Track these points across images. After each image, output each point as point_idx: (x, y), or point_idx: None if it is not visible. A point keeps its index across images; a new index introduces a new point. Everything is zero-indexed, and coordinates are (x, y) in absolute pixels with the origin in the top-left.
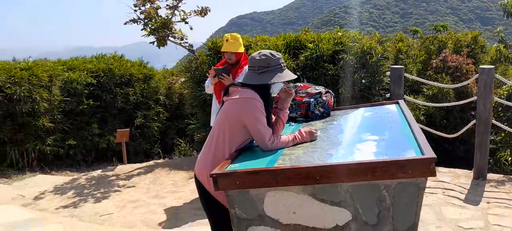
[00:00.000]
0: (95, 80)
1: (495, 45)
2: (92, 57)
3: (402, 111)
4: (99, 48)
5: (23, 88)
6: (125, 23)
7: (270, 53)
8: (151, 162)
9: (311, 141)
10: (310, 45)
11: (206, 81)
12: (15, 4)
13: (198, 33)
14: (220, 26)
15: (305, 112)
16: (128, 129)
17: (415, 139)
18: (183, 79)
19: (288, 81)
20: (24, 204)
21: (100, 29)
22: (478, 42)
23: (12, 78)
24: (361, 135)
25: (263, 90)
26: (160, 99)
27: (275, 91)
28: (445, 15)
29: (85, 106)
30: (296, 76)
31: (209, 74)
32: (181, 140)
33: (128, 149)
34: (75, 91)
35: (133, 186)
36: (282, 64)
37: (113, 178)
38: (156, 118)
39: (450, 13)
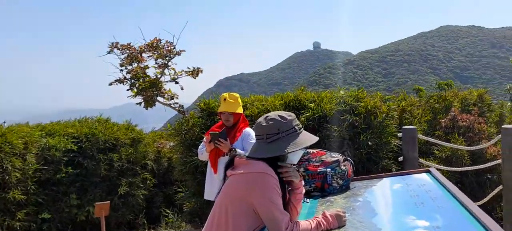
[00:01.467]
0: (76, 146)
1: (509, 103)
2: (75, 120)
3: (442, 184)
4: (87, 110)
5: None
6: (110, 84)
7: (279, 116)
8: None
9: (339, 227)
10: (311, 105)
11: (200, 146)
12: (3, 65)
13: (186, 94)
14: (208, 87)
15: (321, 185)
16: (108, 202)
17: (482, 225)
18: (172, 144)
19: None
20: None
21: (89, 90)
22: (485, 100)
23: None
24: (403, 219)
25: (277, 163)
26: (147, 164)
27: (294, 160)
28: (425, 74)
29: (63, 174)
30: (317, 139)
31: (205, 139)
32: (168, 211)
33: (109, 221)
34: (52, 158)
35: None
36: (296, 127)
37: None
38: (142, 185)
39: (430, 72)
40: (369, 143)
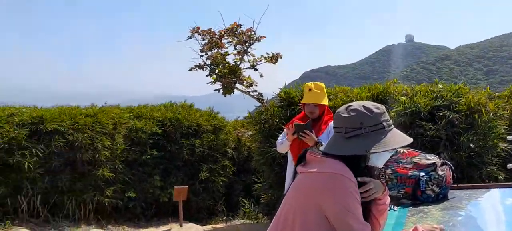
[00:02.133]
0: (161, 130)
1: None
2: (160, 105)
3: None
4: (180, 97)
5: (85, 135)
6: (190, 70)
7: (364, 108)
8: (209, 227)
9: None
10: (403, 99)
11: (279, 138)
12: (109, 52)
13: (269, 84)
14: (293, 79)
15: (412, 192)
16: (187, 187)
17: None
18: (250, 133)
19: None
20: None
21: (181, 77)
22: None
23: (76, 124)
24: None
25: (357, 164)
26: (228, 152)
27: (378, 164)
28: None
29: (149, 156)
30: (410, 140)
31: (288, 129)
32: (245, 201)
33: (190, 205)
34: (139, 140)
35: None
36: (384, 123)
37: None
38: (222, 172)
39: None
40: (471, 145)
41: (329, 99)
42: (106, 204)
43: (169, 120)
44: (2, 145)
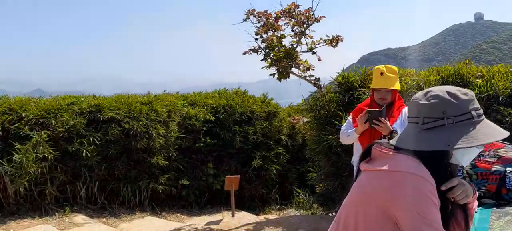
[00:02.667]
0: (214, 117)
1: None
2: (214, 92)
3: None
4: (234, 84)
5: (140, 123)
6: (244, 53)
7: (448, 93)
8: (262, 218)
9: None
10: (478, 81)
11: (343, 127)
12: (173, 40)
13: (326, 68)
14: (351, 63)
15: (497, 189)
16: (239, 176)
17: None
18: (305, 119)
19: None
20: None
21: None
22: None
23: (132, 112)
24: None
25: (435, 161)
26: (281, 139)
27: (463, 162)
28: None
29: (202, 144)
30: (506, 134)
31: (358, 118)
32: (299, 190)
33: (243, 193)
34: (192, 128)
35: None
36: (473, 113)
37: None
38: (275, 160)
39: None
40: None
41: None
42: (160, 191)
43: (223, 107)
44: (62, 133)
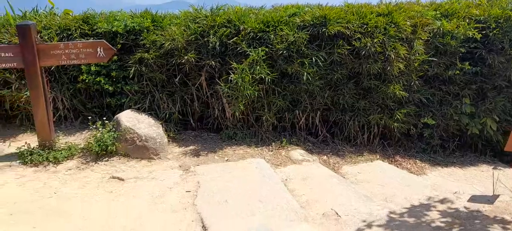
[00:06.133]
0: (480, 35)
1: None
2: None
3: None
4: None
5: (375, 40)
6: None
7: None
8: None
9: None
10: None
11: None
12: None
13: None
14: None
15: None
16: None
17: None
18: None
19: None
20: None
21: None
22: None
23: (365, 26)
24: None
25: None
26: None
27: None
28: None
29: (457, 71)
30: None
31: None
32: None
33: None
34: (446, 48)
35: None
36: None
37: (492, 223)
38: None
39: None
40: None
41: None
42: (395, 129)
43: (495, 20)
44: (281, 51)
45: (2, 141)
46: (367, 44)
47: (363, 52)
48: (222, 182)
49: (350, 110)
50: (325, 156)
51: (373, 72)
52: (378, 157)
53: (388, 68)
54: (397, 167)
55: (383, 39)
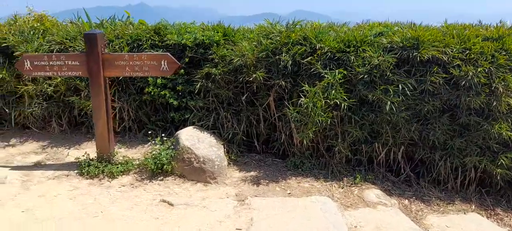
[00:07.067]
0: None
1: None
2: None
3: None
4: None
5: (479, 70)
6: None
7: None
8: None
9: None
10: None
11: None
12: None
13: None
14: None
15: None
16: None
17: None
18: None
19: None
20: None
21: None
22: None
23: (467, 52)
24: None
25: None
26: None
27: None
28: None
29: None
30: None
31: None
32: None
33: None
34: None
35: None
36: None
37: None
38: None
39: None
40: None
41: None
42: (498, 176)
43: None
44: (362, 75)
45: (67, 147)
46: (468, 73)
47: (463, 82)
48: (278, 222)
49: (441, 149)
50: (406, 200)
51: (474, 106)
52: (473, 207)
53: (494, 103)
54: (498, 223)
55: (489, 68)
